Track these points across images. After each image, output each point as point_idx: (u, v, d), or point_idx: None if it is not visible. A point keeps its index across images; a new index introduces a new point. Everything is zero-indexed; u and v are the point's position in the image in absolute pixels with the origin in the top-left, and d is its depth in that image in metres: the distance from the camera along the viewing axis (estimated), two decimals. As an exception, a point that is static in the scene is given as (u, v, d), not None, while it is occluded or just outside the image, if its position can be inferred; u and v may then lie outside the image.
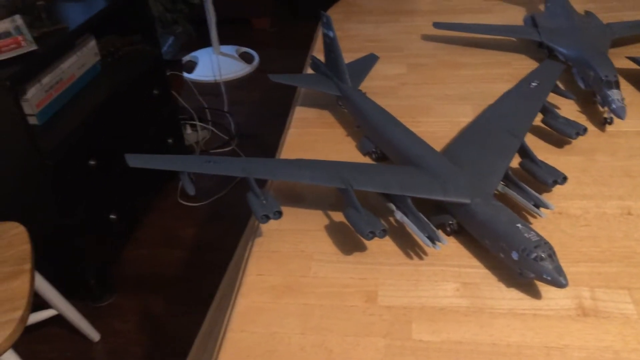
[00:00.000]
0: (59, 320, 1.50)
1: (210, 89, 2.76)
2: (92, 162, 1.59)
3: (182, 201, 2.08)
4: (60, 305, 1.46)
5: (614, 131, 0.92)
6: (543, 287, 0.65)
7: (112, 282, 1.74)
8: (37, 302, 1.36)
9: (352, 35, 1.32)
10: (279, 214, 0.70)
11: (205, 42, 2.97)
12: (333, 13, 1.46)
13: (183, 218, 2.01)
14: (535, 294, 0.64)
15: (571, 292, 0.64)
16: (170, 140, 2.07)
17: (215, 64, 2.90)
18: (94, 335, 1.58)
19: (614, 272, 0.66)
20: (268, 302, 0.66)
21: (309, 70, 1.11)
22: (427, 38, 1.27)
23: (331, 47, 0.99)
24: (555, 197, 0.78)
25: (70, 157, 1.51)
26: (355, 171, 0.74)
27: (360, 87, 1.03)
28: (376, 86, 1.09)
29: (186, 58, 3.05)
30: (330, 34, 0.97)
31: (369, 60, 1.07)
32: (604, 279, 0.65)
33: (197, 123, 2.36)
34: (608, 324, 0.60)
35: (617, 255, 0.68)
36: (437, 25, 1.23)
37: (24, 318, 1.08)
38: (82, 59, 1.67)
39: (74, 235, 1.56)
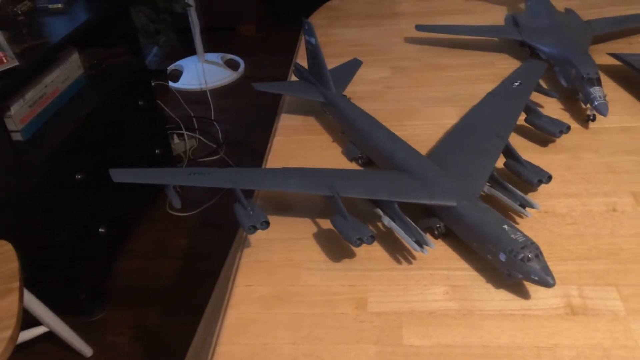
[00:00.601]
0: (51, 336, 1.49)
1: (196, 98, 2.75)
2: (79, 176, 1.58)
3: (171, 211, 2.07)
4: (51, 321, 1.45)
5: (597, 128, 0.92)
6: (531, 287, 0.65)
7: (103, 296, 1.73)
8: (29, 319, 1.35)
9: (335, 40, 1.32)
10: (266, 224, 0.70)
11: (190, 50, 2.96)
12: (316, 19, 1.47)
13: (173, 228, 2.01)
14: (524, 294, 0.65)
15: (559, 290, 0.64)
16: (157, 151, 2.06)
17: (201, 72, 2.90)
18: (87, 350, 1.57)
19: (601, 270, 0.67)
20: (258, 313, 0.66)
21: (293, 77, 1.11)
22: (410, 41, 1.28)
23: (314, 53, 0.99)
24: (541, 196, 0.79)
25: (57, 172, 1.50)
26: (342, 178, 0.74)
27: (345, 92, 1.03)
28: (361, 91, 1.09)
29: (171, 67, 3.04)
30: (313, 40, 0.97)
31: (353, 65, 1.07)
32: (591, 276, 0.66)
33: (184, 132, 2.35)
34: (597, 321, 0.61)
35: (603, 252, 0.69)
36: (419, 27, 1.24)
37: (13, 337, 1.07)
38: (66, 72, 1.66)
39: (63, 251, 1.55)
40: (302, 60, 1.19)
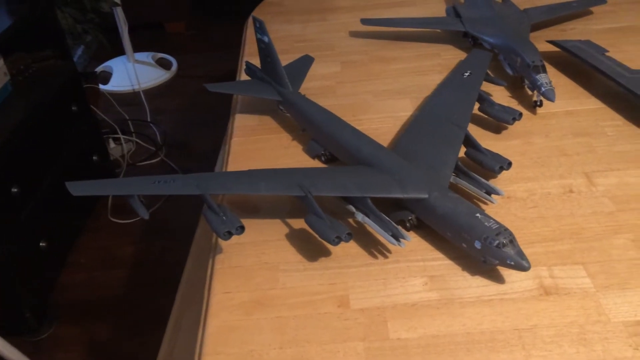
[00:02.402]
0: (-3, 360, 1.41)
1: (129, 99, 2.66)
2: (14, 190, 1.49)
3: (114, 219, 2.00)
4: (-5, 344, 1.37)
5: (545, 113, 0.97)
6: (505, 272, 0.67)
7: (50, 312, 1.65)
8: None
9: (280, 37, 1.31)
10: (241, 229, 0.68)
11: (118, 51, 2.85)
12: (258, 15, 1.44)
13: (118, 236, 1.94)
14: (498, 279, 0.67)
15: (531, 273, 0.67)
16: (95, 157, 1.98)
17: (132, 73, 2.80)
18: (37, 371, 1.49)
19: (566, 249, 0.70)
20: (240, 320, 0.65)
21: (244, 76, 1.09)
22: (356, 35, 1.29)
23: (267, 52, 0.97)
24: (501, 182, 0.81)
25: (-9, 186, 1.41)
26: (312, 177, 0.74)
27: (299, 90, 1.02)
28: (313, 87, 1.09)
29: (99, 68, 2.92)
30: (265, 39, 0.96)
31: (305, 62, 1.07)
32: (558, 256, 0.69)
33: (121, 136, 2.27)
34: (569, 299, 0.64)
35: (566, 233, 0.72)
36: (364, 21, 1.25)
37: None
38: (-9, 80, 1.56)
39: (2, 269, 1.46)
40: (247, 58, 1.17)
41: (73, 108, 1.86)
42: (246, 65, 1.06)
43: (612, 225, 0.73)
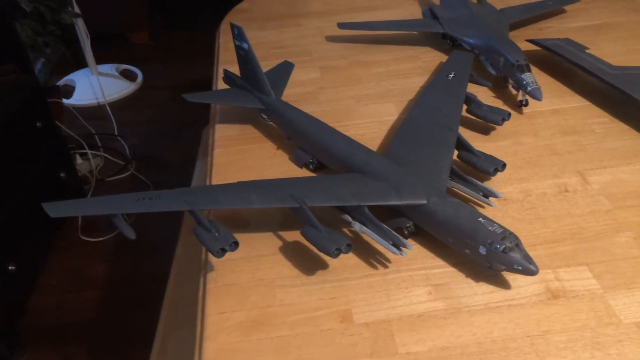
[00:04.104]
0: (-34, 393, 1.33)
1: (94, 113, 2.58)
2: (-22, 211, 1.42)
3: (84, 237, 1.93)
4: (-35, 377, 1.29)
5: (531, 112, 0.96)
6: (510, 276, 0.65)
7: (21, 338, 1.57)
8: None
9: (255, 44, 1.27)
10: (235, 245, 0.65)
11: (80, 63, 2.77)
12: (228, 22, 1.41)
13: (88, 255, 1.86)
14: (504, 284, 0.65)
15: (537, 276, 0.65)
16: (62, 174, 1.90)
17: (96, 85, 2.72)
18: (9, 401, 1.42)
19: (569, 250, 0.68)
20: (239, 342, 0.62)
21: (222, 85, 1.06)
22: (332, 39, 1.26)
23: (246, 59, 0.94)
24: (496, 184, 0.80)
25: (-47, 209, 1.33)
26: (305, 187, 0.71)
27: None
28: (294, 94, 1.06)
29: (62, 82, 2.83)
30: (245, 45, 0.93)
31: (285, 68, 1.04)
32: (562, 258, 0.68)
33: (88, 151, 2.19)
34: (578, 302, 0.62)
35: (567, 233, 0.71)
36: (341, 25, 1.23)
37: None
38: (-51, 97, 1.48)
39: (-32, 296, 1.39)
40: (226, 65, 1.13)
41: (37, 124, 1.78)
42: (224, 73, 1.02)
43: (611, 223, 0.72)
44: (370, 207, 0.70)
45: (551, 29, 1.23)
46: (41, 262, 1.81)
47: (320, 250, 0.65)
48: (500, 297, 0.63)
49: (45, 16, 2.00)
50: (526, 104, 0.96)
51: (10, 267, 1.53)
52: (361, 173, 0.75)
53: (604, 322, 0.59)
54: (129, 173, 2.22)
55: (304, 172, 0.86)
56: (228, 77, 1.01)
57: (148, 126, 2.51)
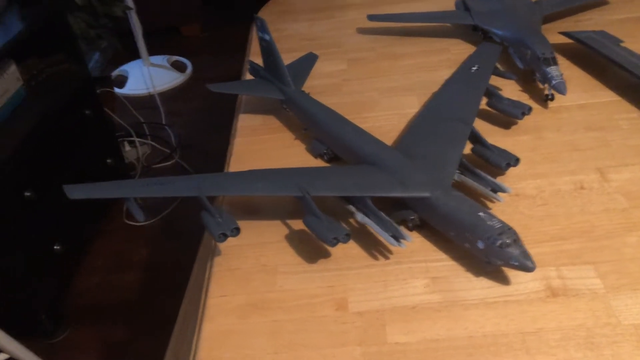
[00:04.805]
0: (12, 363, 1.41)
1: (145, 103, 2.67)
2: (28, 194, 1.50)
3: (128, 222, 2.01)
4: (10, 347, 1.37)
5: (556, 107, 0.93)
6: (511, 273, 0.64)
7: (64, 315, 1.66)
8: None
9: (287, 35, 1.29)
10: (236, 231, 0.67)
11: (134, 54, 2.87)
12: (265, 14, 1.43)
13: (132, 240, 1.94)
14: (503, 280, 0.64)
15: (538, 273, 0.64)
16: (109, 161, 1.99)
17: (147, 76, 2.82)
18: (51, 374, 1.50)
19: (576, 248, 0.67)
20: (236, 324, 0.64)
21: (248, 76, 1.08)
22: (363, 31, 1.26)
23: (268, 50, 0.96)
24: (510, 179, 0.78)
25: (4, 190, 1.42)
26: (310, 176, 0.72)
27: (303, 88, 1.00)
28: (318, 85, 1.07)
29: (115, 73, 2.95)
30: (267, 37, 0.94)
31: (309, 60, 1.05)
32: (567, 256, 0.66)
33: (136, 139, 2.28)
34: (577, 301, 0.61)
35: (577, 231, 0.69)
36: (371, 17, 1.23)
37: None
38: (4, 85, 1.57)
39: (17, 272, 1.47)
40: (255, 57, 1.16)
41: (86, 112, 1.87)
42: (249, 64, 1.05)
43: (624, 223, 0.69)
44: (377, 199, 0.70)
45: (590, 21, 1.19)
46: (87, 244, 1.89)
47: (319, 238, 0.66)
48: (498, 293, 0.63)
49: (97, 9, 2.08)
50: (552, 98, 0.93)
51: (56, 247, 1.61)
52: (370, 164, 0.75)
53: (602, 322, 0.58)
54: (173, 161, 2.29)
55: (319, 163, 0.87)
56: (253, 68, 1.03)
57: (194, 116, 2.58)
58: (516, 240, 0.61)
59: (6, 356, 1.39)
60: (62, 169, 1.70)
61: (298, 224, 0.75)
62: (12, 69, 1.61)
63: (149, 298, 1.72)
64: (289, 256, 0.71)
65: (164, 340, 1.53)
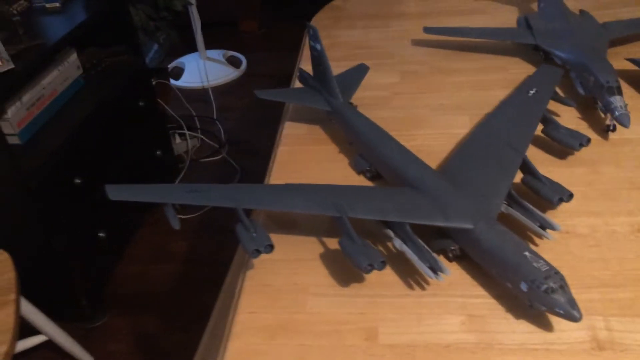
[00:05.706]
0: (50, 345, 1.45)
1: (198, 96, 2.70)
2: (77, 181, 1.54)
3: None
4: (50, 330, 1.41)
5: (618, 139, 0.88)
6: (554, 318, 0.61)
7: (104, 302, 1.70)
8: (27, 327, 1.32)
9: (341, 42, 1.27)
10: (270, 248, 0.66)
11: (191, 47, 2.92)
12: (319, 19, 1.42)
13: (174, 232, 1.96)
14: (546, 326, 0.60)
15: (584, 323, 0.60)
16: (158, 152, 2.02)
17: (202, 70, 2.85)
18: (87, 358, 1.53)
19: (628, 298, 0.62)
20: (261, 344, 0.62)
21: (297, 84, 1.07)
22: (418, 43, 1.23)
23: (319, 60, 0.94)
24: (561, 214, 0.74)
25: (55, 176, 1.46)
26: (349, 196, 0.70)
27: (352, 99, 0.98)
28: (368, 97, 1.05)
29: (172, 64, 3.00)
30: (318, 46, 0.93)
31: (360, 71, 1.03)
32: (618, 306, 0.62)
33: (186, 132, 2.31)
34: (625, 357, 0.56)
35: (630, 279, 0.65)
36: (427, 30, 1.19)
37: (9, 353, 1.03)
38: (64, 73, 1.61)
39: (61, 257, 1.51)
40: (305, 63, 1.14)
41: (140, 103, 1.90)
42: (299, 72, 1.03)
43: (684, 274, 0.64)
44: (416, 225, 0.68)
45: (662, 47, 1.12)
46: (130, 233, 1.93)
47: (353, 264, 0.64)
48: (539, 340, 0.59)
49: (158, 2, 2.11)
50: (614, 130, 0.88)
51: (100, 234, 1.65)
52: (412, 188, 0.73)
53: (651, 385, 0.54)
54: (220, 156, 2.31)
55: (361, 179, 0.85)
56: (302, 76, 1.02)
57: (245, 113, 2.60)
58: (563, 286, 0.57)
59: (45, 338, 1.43)
60: (111, 158, 1.73)
61: (333, 243, 0.73)
62: (73, 57, 1.66)
63: (185, 292, 1.73)
64: (321, 276, 0.69)
65: (195, 337, 1.54)
